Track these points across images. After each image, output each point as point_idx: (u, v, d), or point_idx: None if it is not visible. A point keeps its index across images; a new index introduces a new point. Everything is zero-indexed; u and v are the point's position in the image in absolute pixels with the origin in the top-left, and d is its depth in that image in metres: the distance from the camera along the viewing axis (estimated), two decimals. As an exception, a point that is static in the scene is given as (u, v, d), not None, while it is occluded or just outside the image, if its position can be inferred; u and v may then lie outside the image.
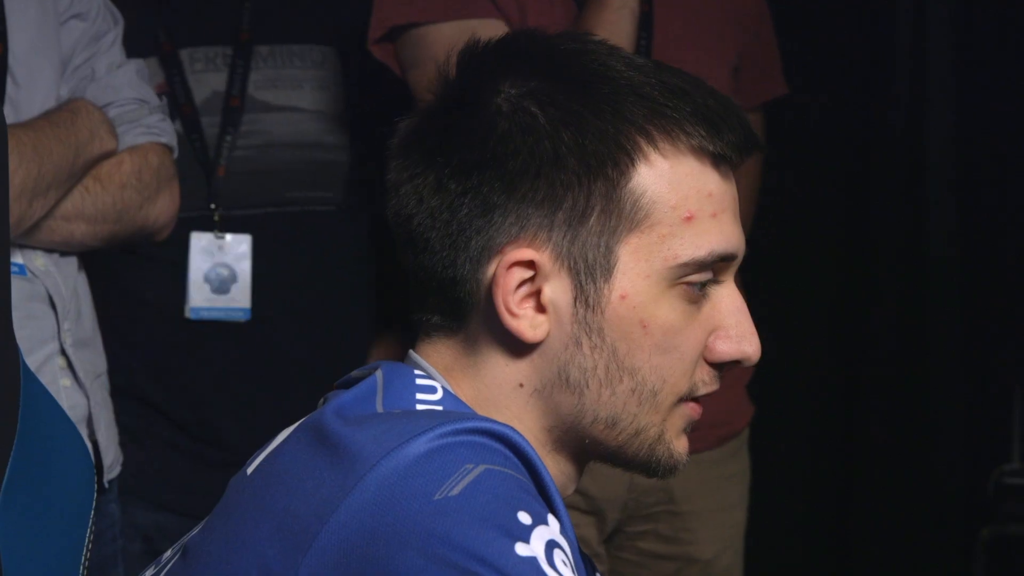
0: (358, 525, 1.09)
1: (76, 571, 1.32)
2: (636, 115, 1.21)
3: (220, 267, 2.42)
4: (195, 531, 1.21)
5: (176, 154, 2.25)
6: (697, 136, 1.21)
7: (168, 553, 1.24)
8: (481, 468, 1.10)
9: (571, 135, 1.20)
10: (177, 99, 2.44)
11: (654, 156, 1.21)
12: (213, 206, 2.43)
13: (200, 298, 2.42)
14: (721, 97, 1.24)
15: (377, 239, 2.59)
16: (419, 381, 1.21)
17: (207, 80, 2.47)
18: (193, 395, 2.46)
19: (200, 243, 2.42)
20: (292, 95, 2.49)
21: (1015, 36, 3.27)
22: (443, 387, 1.21)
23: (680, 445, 1.26)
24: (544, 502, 1.13)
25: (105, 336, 2.25)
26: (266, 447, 1.21)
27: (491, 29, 2.25)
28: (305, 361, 2.49)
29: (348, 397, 1.19)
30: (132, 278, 2.45)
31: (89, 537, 1.33)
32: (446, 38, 2.24)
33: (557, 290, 1.21)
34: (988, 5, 3.26)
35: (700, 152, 1.22)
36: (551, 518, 1.11)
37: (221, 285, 2.42)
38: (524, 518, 1.08)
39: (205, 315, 2.42)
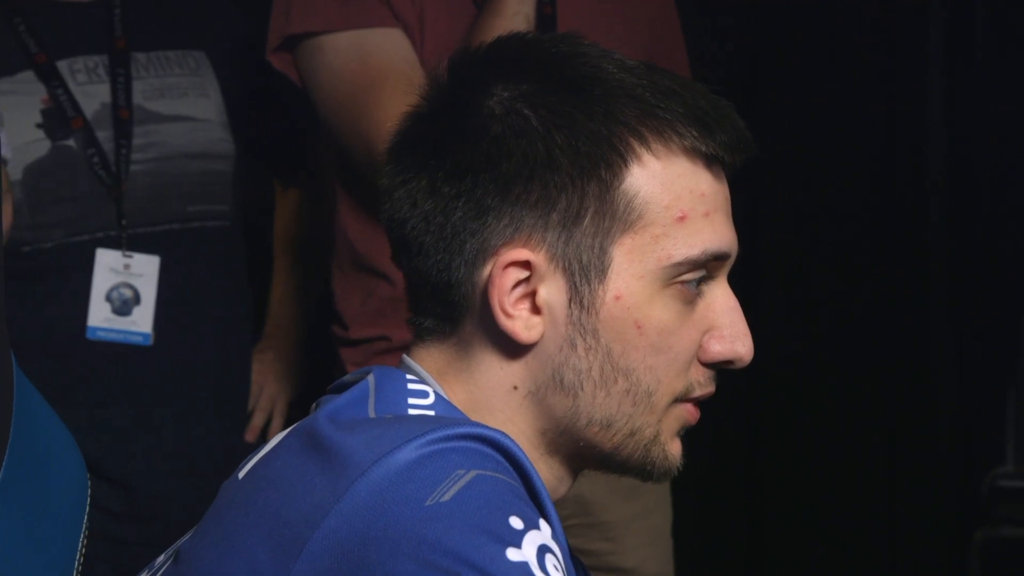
0: (349, 531, 1.08)
1: (70, 574, 1.31)
2: (628, 116, 1.21)
3: (124, 287, 2.36)
4: (187, 535, 1.21)
5: (7, 166, 2.21)
6: (689, 137, 1.22)
7: (161, 558, 1.24)
8: (472, 473, 1.09)
9: (564, 137, 1.20)
10: (65, 113, 2.35)
11: (647, 157, 1.21)
12: (124, 222, 2.35)
13: (99, 318, 2.35)
14: (713, 98, 1.24)
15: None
16: (411, 386, 1.21)
17: (93, 92, 2.38)
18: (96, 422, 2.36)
19: (105, 260, 2.34)
20: (181, 104, 2.42)
21: (1011, 39, 3.27)
22: (435, 391, 1.21)
23: (675, 448, 1.25)
24: (535, 507, 1.13)
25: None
26: (258, 451, 1.20)
27: (389, 38, 2.23)
28: (207, 389, 2.43)
29: (340, 402, 1.19)
30: (31, 299, 2.35)
31: (83, 542, 1.33)
32: (344, 48, 2.22)
33: (552, 291, 1.21)
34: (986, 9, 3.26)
35: (692, 152, 1.22)
36: (543, 523, 1.10)
37: (123, 306, 2.36)
38: (516, 523, 1.08)
39: (103, 336, 2.35)
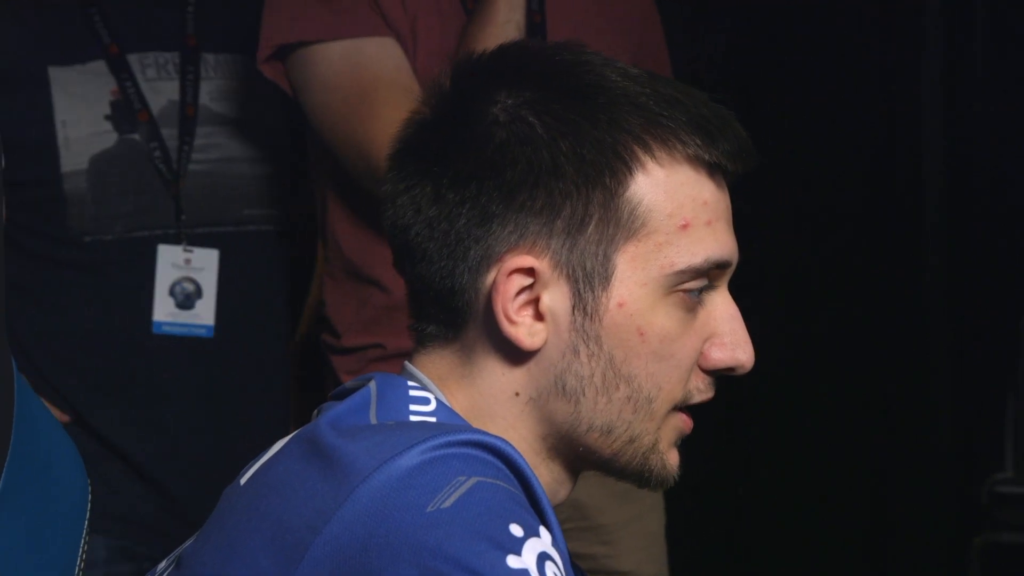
0: (350, 537, 1.08)
1: None
2: (632, 124, 1.21)
3: (186, 281, 2.38)
4: (190, 541, 1.21)
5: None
6: (693, 145, 1.22)
7: (163, 563, 1.24)
8: (473, 480, 1.10)
9: (569, 144, 1.21)
10: (132, 106, 2.37)
11: (651, 165, 1.22)
12: (184, 217, 2.37)
13: (164, 313, 2.37)
14: (715, 107, 1.24)
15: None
16: (412, 392, 1.21)
17: (161, 88, 2.40)
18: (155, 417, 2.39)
19: (167, 256, 2.37)
20: (243, 107, 2.43)
21: (1007, 42, 3.27)
22: (437, 398, 1.21)
23: (672, 457, 1.26)
24: (536, 514, 1.13)
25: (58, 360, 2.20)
26: (260, 457, 1.20)
27: (382, 47, 2.22)
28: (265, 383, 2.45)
29: (342, 408, 1.19)
30: (86, 297, 2.37)
31: (83, 548, 1.33)
32: (336, 57, 2.22)
33: (556, 298, 1.21)
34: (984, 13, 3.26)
35: (695, 161, 1.23)
36: (543, 530, 1.11)
37: (186, 300, 2.38)
38: (516, 530, 1.08)
39: (167, 330, 2.37)
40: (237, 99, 2.44)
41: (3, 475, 1.26)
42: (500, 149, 1.21)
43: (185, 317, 2.38)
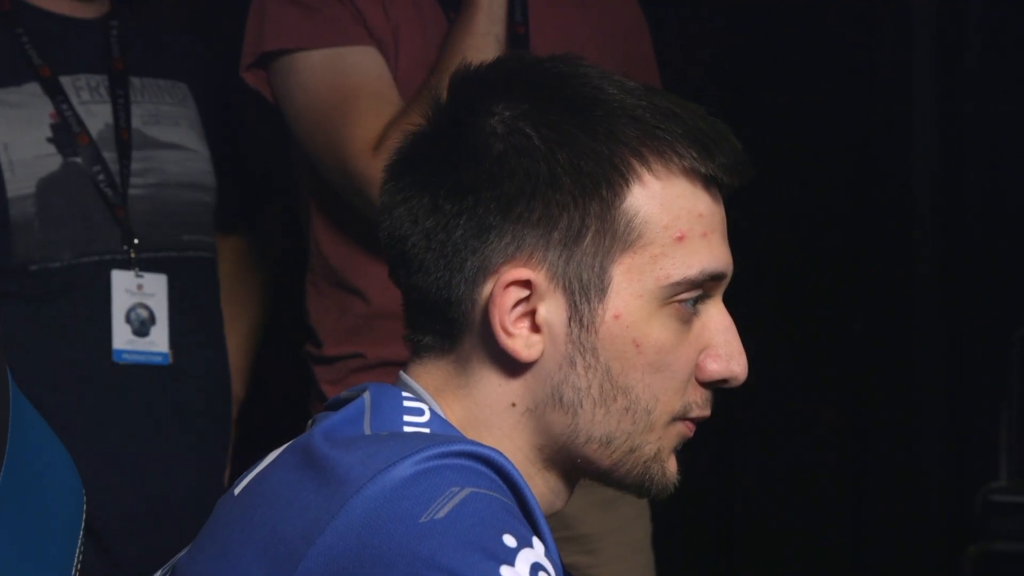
0: (344, 547, 1.09)
1: None
2: (630, 137, 1.22)
3: (140, 308, 2.34)
4: (184, 551, 1.21)
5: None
6: (689, 158, 1.23)
7: (158, 573, 1.24)
8: (467, 491, 1.10)
9: (566, 156, 1.21)
10: (71, 128, 2.33)
11: (647, 177, 1.22)
12: (137, 241, 2.34)
13: (123, 340, 2.33)
14: (711, 120, 1.25)
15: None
16: (407, 403, 1.21)
17: (96, 111, 2.36)
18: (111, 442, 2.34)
19: (121, 282, 2.32)
20: (174, 132, 2.42)
21: (1001, 40, 3.28)
22: (431, 409, 1.22)
23: (672, 465, 1.26)
24: (529, 525, 1.14)
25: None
26: (254, 467, 1.21)
27: (364, 56, 2.22)
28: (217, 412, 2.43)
29: (336, 419, 1.19)
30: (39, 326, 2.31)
31: (78, 557, 1.33)
32: (318, 66, 2.22)
33: (552, 310, 1.22)
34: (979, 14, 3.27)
35: (692, 173, 1.23)
36: (536, 541, 1.11)
37: (142, 327, 2.34)
38: (509, 541, 1.09)
39: (128, 359, 2.33)
40: (167, 123, 2.42)
41: (-1, 482, 1.26)
42: (498, 161, 1.21)
43: (142, 344, 2.34)
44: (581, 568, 2.45)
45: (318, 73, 2.23)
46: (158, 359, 2.35)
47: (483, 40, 2.23)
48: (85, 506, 1.35)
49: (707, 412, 1.26)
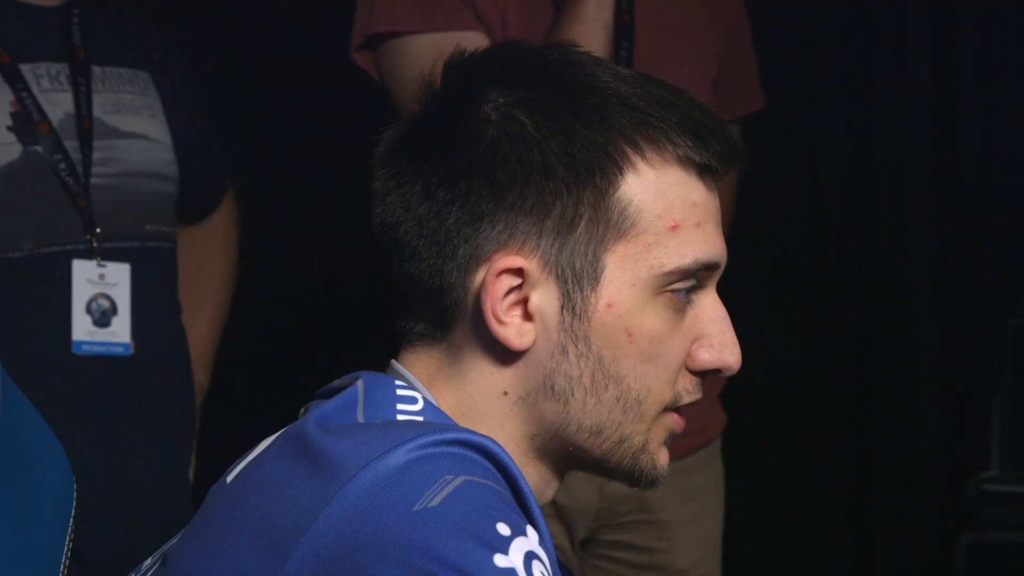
0: (337, 535, 1.08)
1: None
2: (624, 125, 1.21)
3: (101, 298, 2.31)
4: (175, 539, 1.21)
5: None
6: (683, 146, 1.22)
7: (148, 561, 1.24)
8: (460, 479, 1.10)
9: (560, 144, 1.20)
10: (31, 117, 2.30)
11: (641, 165, 1.22)
12: (99, 230, 2.31)
13: (83, 331, 2.30)
14: (706, 108, 1.25)
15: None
16: (400, 391, 1.21)
17: (56, 99, 2.33)
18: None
19: (82, 271, 2.29)
20: (136, 121, 2.39)
21: (994, 33, 3.27)
22: (424, 397, 1.21)
23: (662, 457, 1.26)
24: (523, 513, 1.13)
25: None
26: (247, 455, 1.20)
27: (472, 41, 2.22)
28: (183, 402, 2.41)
29: (329, 407, 1.19)
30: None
31: (69, 543, 1.33)
32: (426, 49, 2.23)
33: (544, 298, 1.21)
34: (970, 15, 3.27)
35: (686, 162, 1.23)
36: (530, 529, 1.11)
37: (103, 317, 2.31)
38: (503, 529, 1.08)
39: (87, 350, 2.30)
40: (128, 113, 2.39)
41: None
42: (491, 148, 1.21)
43: (103, 335, 2.31)
44: (656, 552, 2.48)
45: (425, 57, 2.24)
46: (119, 350, 2.32)
47: (590, 27, 2.24)
48: (75, 496, 1.35)
49: (698, 396, 1.26)
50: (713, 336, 1.24)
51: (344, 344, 2.83)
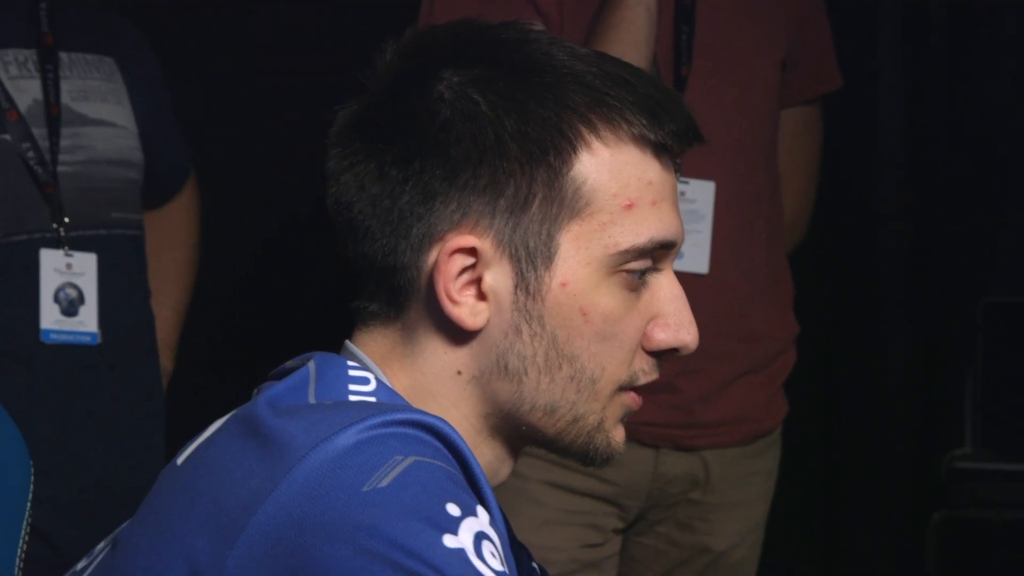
0: (286, 517, 1.08)
1: (11, 570, 1.30)
2: (578, 103, 1.21)
3: (69, 287, 2.31)
4: (126, 523, 1.21)
5: None
6: (638, 125, 1.21)
7: (101, 545, 1.23)
8: (410, 460, 1.09)
9: (514, 123, 1.20)
10: (0, 105, 2.30)
11: (596, 144, 1.21)
12: (67, 219, 2.31)
13: (50, 320, 2.30)
14: (663, 88, 1.24)
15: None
16: (352, 372, 1.20)
17: (24, 87, 2.33)
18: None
19: (49, 261, 2.30)
20: (102, 108, 2.39)
21: (965, 16, 3.27)
22: (377, 378, 1.21)
23: (618, 434, 1.25)
24: (474, 494, 1.13)
25: None
26: (198, 437, 1.20)
27: None
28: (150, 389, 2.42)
29: (280, 388, 1.18)
30: None
31: (25, 531, 1.32)
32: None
33: (498, 277, 1.21)
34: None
35: (641, 141, 1.22)
36: (480, 510, 1.10)
37: (70, 306, 2.32)
38: (453, 510, 1.08)
39: (55, 339, 2.30)
40: (95, 99, 2.39)
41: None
42: (444, 127, 1.20)
43: (71, 324, 2.32)
44: (697, 533, 2.51)
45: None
46: (87, 339, 2.33)
47: (634, 11, 2.25)
48: (32, 483, 1.34)
49: (655, 376, 1.25)
50: (669, 315, 1.24)
51: (312, 326, 2.83)
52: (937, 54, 3.30)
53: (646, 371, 1.25)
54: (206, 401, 2.42)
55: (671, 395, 2.45)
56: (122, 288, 2.38)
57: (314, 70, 3.13)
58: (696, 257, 2.47)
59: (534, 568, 1.40)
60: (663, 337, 1.24)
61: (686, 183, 2.45)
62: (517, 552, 1.38)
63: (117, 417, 2.37)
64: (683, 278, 2.40)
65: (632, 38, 2.25)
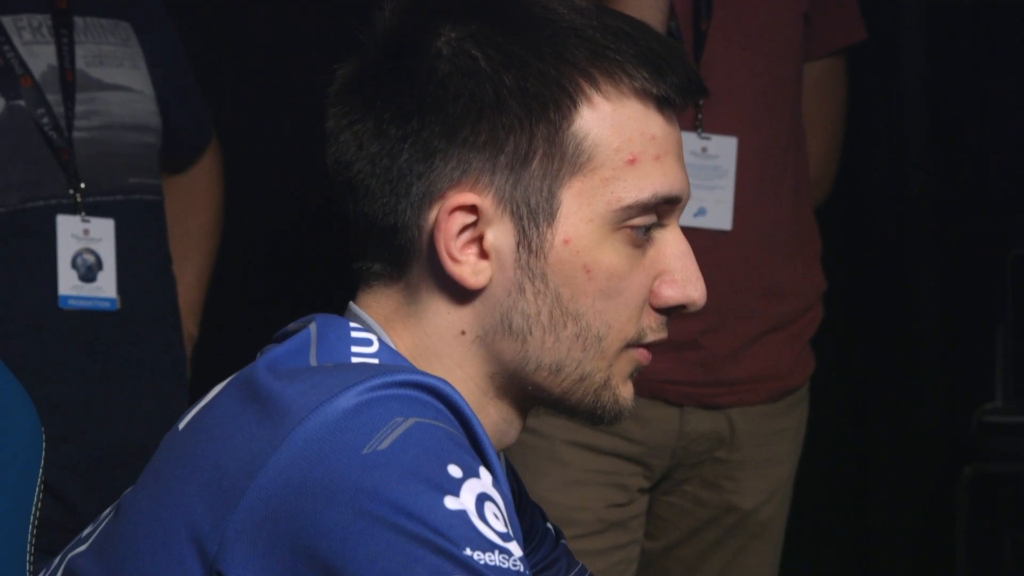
0: (285, 480, 1.07)
1: (24, 536, 1.30)
2: (578, 57, 1.19)
3: (86, 253, 2.31)
4: (129, 489, 1.20)
5: None
6: (640, 78, 1.19)
7: (107, 511, 1.23)
8: (411, 421, 1.08)
9: (513, 78, 1.18)
10: (14, 71, 2.29)
11: (597, 99, 1.19)
12: (84, 185, 2.30)
13: (68, 286, 2.30)
14: (666, 40, 1.22)
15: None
16: (354, 334, 1.19)
17: (38, 52, 2.32)
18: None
19: (66, 226, 2.29)
20: (118, 73, 2.37)
21: (990, 29, 3.24)
22: (379, 339, 1.19)
23: (626, 391, 1.24)
24: (477, 455, 1.12)
25: None
26: (199, 401, 1.19)
27: None
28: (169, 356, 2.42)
29: (281, 350, 1.17)
30: None
31: (38, 497, 1.31)
32: None
33: (500, 235, 1.19)
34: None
35: (643, 94, 1.20)
36: (483, 471, 1.09)
37: (88, 272, 2.31)
38: (454, 471, 1.07)
39: (73, 304, 2.30)
40: (111, 64, 2.37)
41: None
42: (443, 83, 1.18)
43: (89, 290, 2.32)
44: (724, 492, 2.50)
45: None
46: (105, 304, 2.33)
47: None
48: (44, 450, 1.33)
49: (663, 335, 1.23)
50: (676, 271, 1.22)
51: (342, 286, 2.82)
52: (964, 9, 3.26)
53: (653, 328, 1.23)
54: (233, 365, 2.43)
55: (696, 352, 2.43)
56: (141, 253, 2.38)
57: (332, 32, 3.11)
58: (719, 214, 2.45)
59: (548, 529, 1.39)
60: (670, 293, 1.22)
61: (708, 139, 2.43)
62: (531, 512, 1.37)
63: (137, 382, 2.37)
64: (706, 235, 2.41)
65: None
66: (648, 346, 1.24)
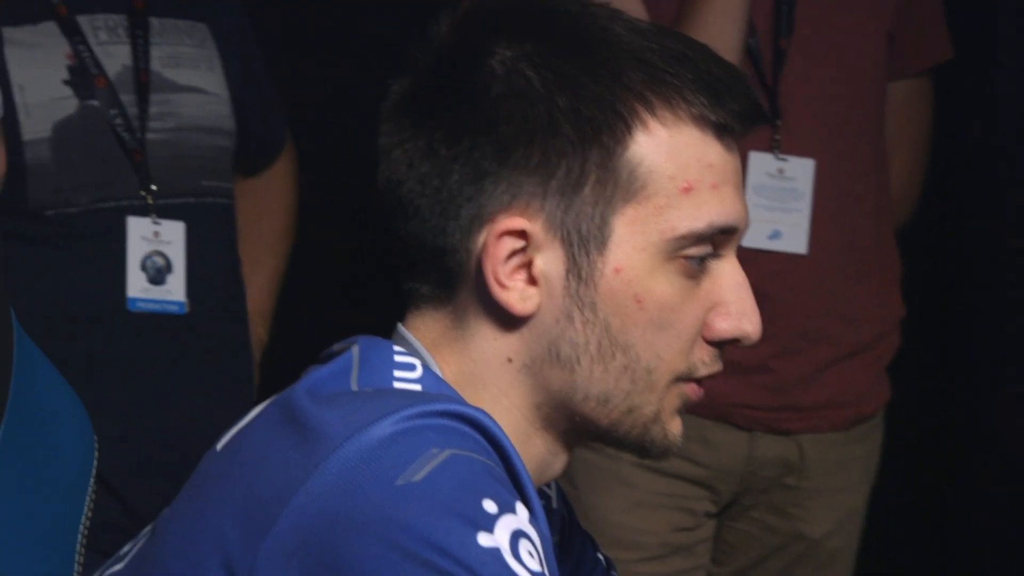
0: (318, 509, 1.05)
1: (74, 539, 1.29)
2: (635, 81, 1.16)
3: (156, 256, 2.31)
4: (167, 508, 1.18)
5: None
6: (698, 104, 1.16)
7: (146, 529, 1.22)
8: (447, 453, 1.05)
9: (567, 100, 1.15)
10: (88, 70, 2.29)
11: (653, 124, 1.16)
12: (155, 187, 2.30)
13: (137, 288, 2.31)
14: (727, 65, 1.18)
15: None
16: (398, 358, 1.16)
17: (114, 52, 2.32)
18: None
19: (137, 228, 2.30)
20: (194, 75, 2.37)
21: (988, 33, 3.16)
22: (424, 364, 1.17)
23: (675, 426, 1.20)
24: (516, 489, 1.09)
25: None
26: (239, 422, 1.17)
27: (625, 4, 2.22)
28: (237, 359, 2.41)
29: (323, 373, 1.15)
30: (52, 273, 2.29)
31: (89, 504, 1.31)
32: None
33: (549, 262, 1.16)
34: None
35: (701, 121, 1.17)
36: (519, 506, 1.06)
37: (157, 275, 2.32)
38: (489, 506, 1.04)
39: (142, 307, 2.30)
40: (186, 66, 2.37)
41: (2, 426, 1.24)
42: (495, 104, 1.16)
43: (158, 293, 2.32)
44: (792, 519, 2.47)
45: None
46: (174, 308, 2.33)
47: None
48: (96, 454, 1.33)
49: (716, 368, 1.20)
50: (731, 304, 1.19)
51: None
52: (960, 68, 3.19)
53: (706, 362, 1.20)
54: (302, 372, 2.42)
55: (765, 376, 2.39)
56: (211, 257, 2.38)
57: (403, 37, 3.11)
58: (794, 237, 2.41)
59: (599, 559, 1.36)
60: (723, 326, 1.19)
61: (784, 159, 2.39)
62: (581, 541, 1.34)
63: (204, 387, 2.37)
64: (780, 258, 2.38)
65: (726, 5, 2.19)
66: (700, 381, 1.21)
